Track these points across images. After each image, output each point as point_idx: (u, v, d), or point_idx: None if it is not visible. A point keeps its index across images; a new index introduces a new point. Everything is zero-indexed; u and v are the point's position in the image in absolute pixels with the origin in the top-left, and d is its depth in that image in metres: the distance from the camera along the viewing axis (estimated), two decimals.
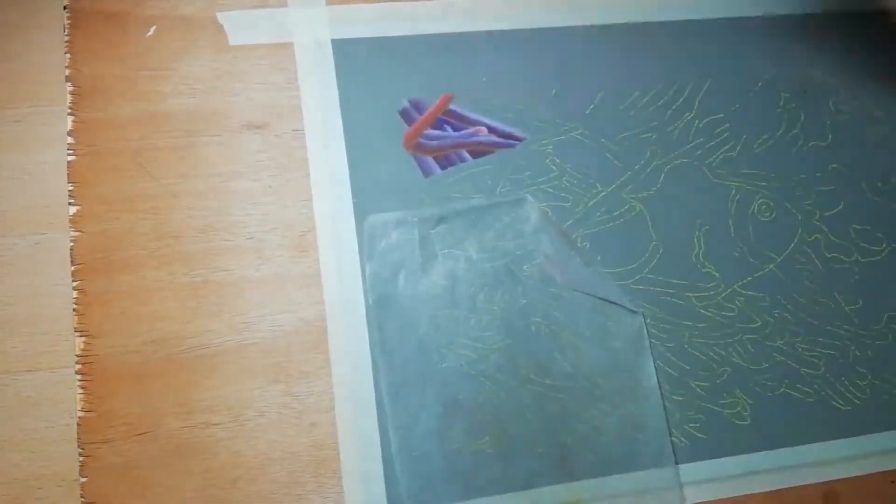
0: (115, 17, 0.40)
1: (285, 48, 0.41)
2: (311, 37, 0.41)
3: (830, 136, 0.44)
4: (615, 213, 0.41)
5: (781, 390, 0.40)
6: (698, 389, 0.40)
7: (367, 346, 0.37)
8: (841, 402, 0.41)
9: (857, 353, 0.42)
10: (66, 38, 0.39)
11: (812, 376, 0.41)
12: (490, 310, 0.39)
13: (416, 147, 0.40)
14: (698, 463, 0.38)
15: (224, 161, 0.39)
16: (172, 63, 0.40)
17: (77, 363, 0.36)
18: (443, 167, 0.40)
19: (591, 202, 0.41)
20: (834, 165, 0.44)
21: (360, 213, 0.39)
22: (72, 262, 0.37)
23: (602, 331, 0.39)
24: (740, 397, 0.40)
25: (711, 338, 0.40)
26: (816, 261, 0.42)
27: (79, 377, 0.36)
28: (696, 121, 0.43)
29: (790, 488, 0.39)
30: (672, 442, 0.39)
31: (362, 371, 0.37)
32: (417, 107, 0.41)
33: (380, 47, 0.41)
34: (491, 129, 0.41)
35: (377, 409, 0.37)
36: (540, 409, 0.38)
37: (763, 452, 0.39)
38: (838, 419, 0.40)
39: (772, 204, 0.43)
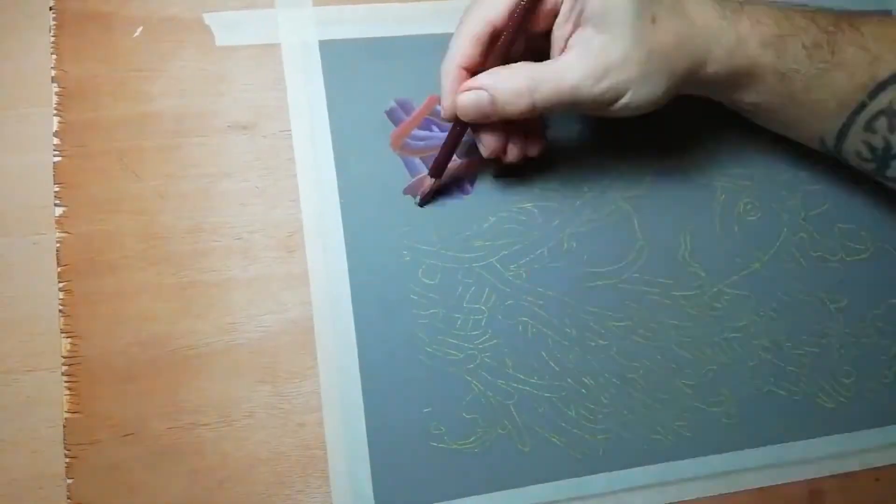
0: (102, 18, 0.40)
1: (272, 49, 0.41)
2: (299, 38, 0.41)
3: None
4: (602, 213, 0.41)
5: (767, 389, 0.40)
6: (685, 388, 0.40)
7: (355, 346, 0.38)
8: (826, 399, 0.41)
9: (843, 351, 0.42)
10: (52, 39, 0.39)
11: (798, 374, 0.41)
12: (476, 309, 0.39)
13: (404, 147, 0.40)
14: (683, 461, 0.39)
15: (211, 162, 0.39)
16: (159, 64, 0.40)
17: (63, 364, 0.36)
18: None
19: (578, 202, 0.41)
20: (819, 165, 0.44)
21: (347, 213, 0.39)
22: (58, 263, 0.37)
23: (588, 330, 0.40)
24: (726, 395, 0.40)
25: (697, 337, 0.41)
26: (802, 260, 0.43)
27: (65, 378, 0.36)
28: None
29: (776, 486, 0.39)
30: (658, 440, 0.39)
31: (350, 371, 0.37)
32: (404, 107, 0.41)
33: (367, 48, 0.41)
34: None
35: (364, 409, 0.37)
36: (527, 408, 0.38)
37: (749, 450, 0.39)
38: (824, 417, 0.41)
39: (757, 203, 0.43)
